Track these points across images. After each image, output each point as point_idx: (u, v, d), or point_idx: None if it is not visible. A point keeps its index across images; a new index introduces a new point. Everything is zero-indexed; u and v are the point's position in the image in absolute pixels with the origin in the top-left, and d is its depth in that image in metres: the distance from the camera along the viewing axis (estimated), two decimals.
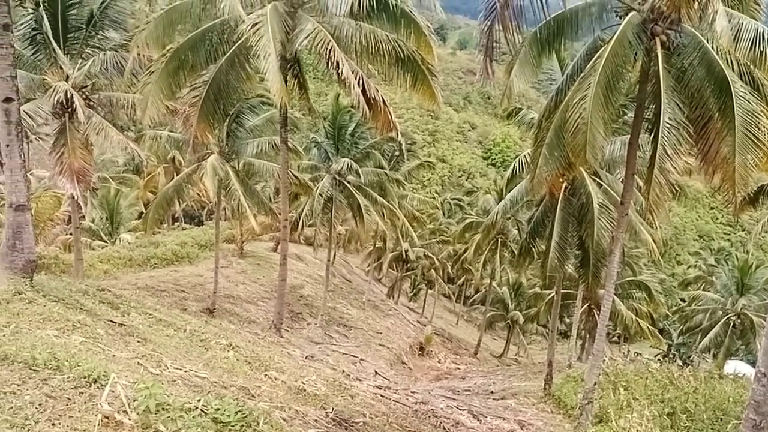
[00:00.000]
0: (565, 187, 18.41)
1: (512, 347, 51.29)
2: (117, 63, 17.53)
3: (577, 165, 13.01)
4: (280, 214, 21.76)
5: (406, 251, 45.63)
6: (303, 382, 11.79)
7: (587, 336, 37.88)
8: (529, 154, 16.91)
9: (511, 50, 12.54)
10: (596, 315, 28.83)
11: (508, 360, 46.67)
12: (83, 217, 31.58)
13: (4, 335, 7.66)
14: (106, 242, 35.24)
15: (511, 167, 23.00)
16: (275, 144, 22.23)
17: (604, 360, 18.52)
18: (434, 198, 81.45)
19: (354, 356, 23.92)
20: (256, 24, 14.89)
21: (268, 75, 14.51)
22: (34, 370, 6.49)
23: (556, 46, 13.62)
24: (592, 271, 19.04)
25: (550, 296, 32.97)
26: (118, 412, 5.81)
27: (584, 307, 31.61)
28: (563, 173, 14.15)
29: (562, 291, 22.64)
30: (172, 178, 29.75)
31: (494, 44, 11.88)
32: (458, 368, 35.08)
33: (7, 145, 11.21)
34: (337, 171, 27.63)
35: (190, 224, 49.94)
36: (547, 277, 22.85)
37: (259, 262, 33.07)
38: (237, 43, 16.59)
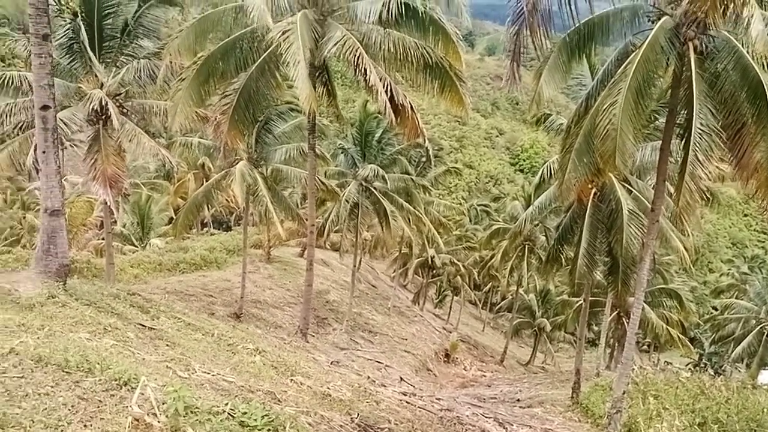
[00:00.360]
0: (594, 194, 18.19)
1: (539, 355, 50.65)
2: (150, 71, 17.81)
3: (606, 171, 12.83)
4: (306, 219, 21.87)
5: (432, 257, 45.50)
6: (328, 388, 11.80)
7: (616, 344, 37.27)
8: (557, 160, 16.74)
9: (539, 55, 12.42)
10: (625, 323, 28.37)
11: (534, 368, 46.10)
12: (115, 222, 32.20)
13: (38, 338, 7.83)
14: (137, 247, 35.85)
15: (539, 173, 22.88)
16: (303, 150, 22.38)
17: (634, 369, 18.21)
18: (461, 204, 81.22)
19: (379, 362, 23.91)
20: (286, 32, 15.04)
21: (298, 82, 14.63)
22: (66, 372, 6.61)
23: (586, 51, 13.49)
24: (622, 279, 18.74)
25: (578, 303, 32.54)
26: (147, 415, 5.90)
27: (613, 314, 31.10)
28: (592, 179, 13.98)
29: (590, 298, 22.31)
30: (202, 184, 30.12)
31: (522, 49, 11.82)
32: (484, 375, 34.79)
33: (44, 152, 11.45)
34: (363, 177, 27.70)
35: (219, 230, 50.54)
36: (576, 284, 22.56)
37: (285, 268, 33.28)
38: (267, 51, 16.76)
